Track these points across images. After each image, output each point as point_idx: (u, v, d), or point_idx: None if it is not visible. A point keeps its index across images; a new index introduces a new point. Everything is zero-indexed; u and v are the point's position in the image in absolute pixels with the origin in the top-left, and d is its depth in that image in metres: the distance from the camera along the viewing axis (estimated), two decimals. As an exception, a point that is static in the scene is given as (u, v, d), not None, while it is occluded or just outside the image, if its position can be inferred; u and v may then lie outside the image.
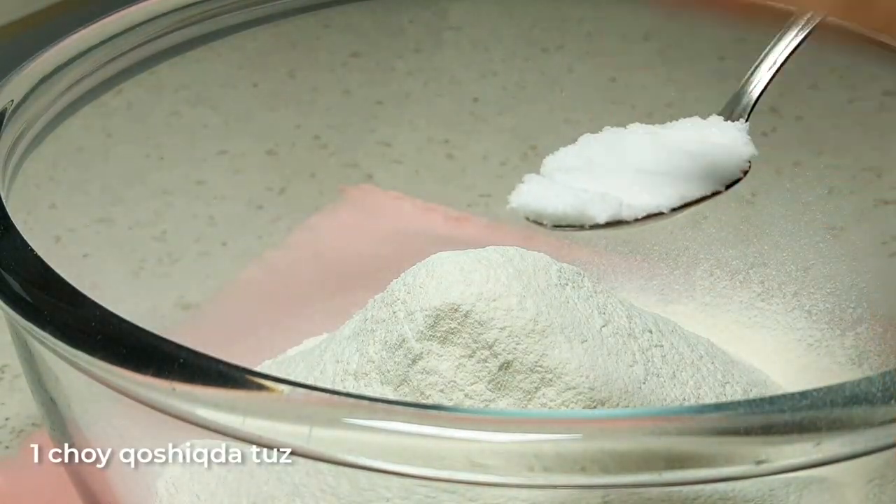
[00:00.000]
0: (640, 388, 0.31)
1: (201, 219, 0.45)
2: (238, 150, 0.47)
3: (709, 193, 0.27)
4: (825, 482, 0.28)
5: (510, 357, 0.30)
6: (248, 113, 0.47)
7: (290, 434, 0.21)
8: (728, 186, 0.28)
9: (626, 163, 0.29)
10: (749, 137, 0.29)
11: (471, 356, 0.30)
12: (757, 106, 0.35)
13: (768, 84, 0.31)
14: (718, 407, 0.21)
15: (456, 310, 0.31)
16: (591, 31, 0.48)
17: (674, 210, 0.27)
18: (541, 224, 0.26)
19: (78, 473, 0.31)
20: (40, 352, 0.27)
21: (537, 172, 0.29)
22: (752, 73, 0.31)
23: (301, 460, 0.27)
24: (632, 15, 0.46)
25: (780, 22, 0.39)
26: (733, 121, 0.30)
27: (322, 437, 0.21)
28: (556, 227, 0.26)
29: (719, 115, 0.31)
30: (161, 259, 0.43)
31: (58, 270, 0.26)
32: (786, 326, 0.41)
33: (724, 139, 0.29)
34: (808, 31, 0.32)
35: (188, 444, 0.29)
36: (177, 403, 0.23)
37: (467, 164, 0.49)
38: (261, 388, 0.22)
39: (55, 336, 0.24)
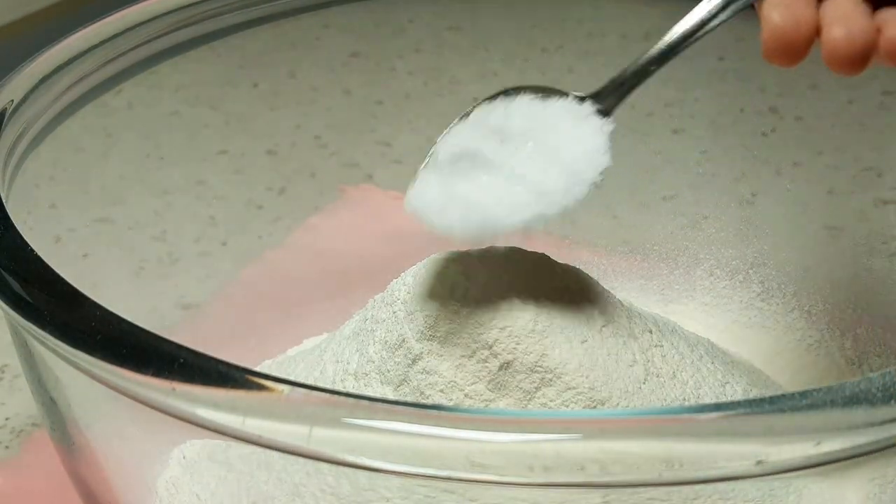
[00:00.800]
0: (640, 388, 0.31)
1: (201, 219, 0.45)
2: (238, 150, 0.47)
3: (557, 210, 0.29)
4: (825, 482, 0.28)
5: (510, 357, 0.30)
6: (248, 113, 0.47)
7: (290, 434, 0.21)
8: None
9: (505, 164, 0.31)
10: (609, 144, 0.31)
11: (471, 356, 0.30)
12: (753, 107, 0.35)
13: (646, 78, 0.33)
14: (718, 407, 0.21)
15: (456, 311, 0.31)
16: (591, 31, 0.48)
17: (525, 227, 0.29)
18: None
19: (78, 473, 0.31)
20: (40, 352, 0.27)
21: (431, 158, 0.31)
22: (639, 61, 0.32)
23: (301, 460, 0.27)
24: (632, 15, 0.46)
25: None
26: (605, 109, 0.31)
27: (322, 437, 0.21)
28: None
29: (594, 96, 0.32)
30: (161, 259, 0.43)
31: (58, 270, 0.26)
32: (786, 326, 0.41)
33: (586, 145, 0.31)
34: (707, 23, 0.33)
35: (188, 443, 0.29)
36: (177, 403, 0.23)
37: (467, 164, 0.49)
38: (261, 388, 0.22)
39: (55, 336, 0.24)
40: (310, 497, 0.28)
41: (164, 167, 0.45)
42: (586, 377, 0.30)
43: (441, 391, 0.30)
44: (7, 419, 0.40)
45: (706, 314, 0.42)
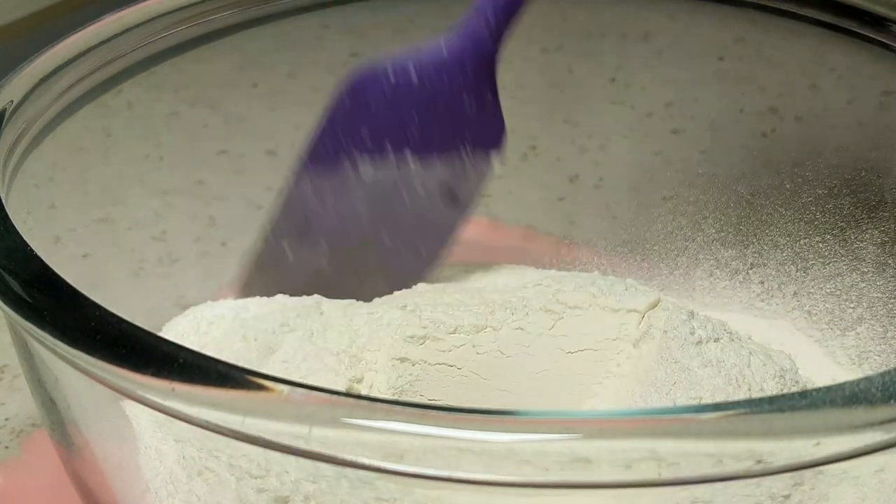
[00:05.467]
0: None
1: (201, 219, 0.45)
2: (238, 150, 0.47)
3: None
4: (824, 482, 0.28)
5: None
6: (248, 113, 0.47)
7: (289, 434, 0.21)
8: None
9: None
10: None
11: None
12: (753, 107, 0.35)
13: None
14: (718, 407, 0.21)
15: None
16: (591, 31, 0.48)
17: None
18: None
19: (78, 473, 0.31)
20: (40, 352, 0.27)
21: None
22: None
23: (301, 460, 0.27)
24: (632, 15, 0.46)
25: (780, 22, 0.39)
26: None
27: (322, 437, 0.21)
28: None
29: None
30: (161, 259, 0.43)
31: (58, 270, 0.26)
32: (786, 326, 0.41)
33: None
34: None
35: (187, 442, 0.29)
36: (177, 404, 0.23)
37: (467, 164, 0.49)
38: (260, 388, 0.22)
39: (55, 336, 0.24)
40: (309, 496, 0.28)
41: (164, 167, 0.45)
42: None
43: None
44: (7, 419, 0.40)
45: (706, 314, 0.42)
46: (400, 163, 0.35)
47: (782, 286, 0.41)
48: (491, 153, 0.38)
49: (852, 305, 0.39)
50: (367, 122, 0.35)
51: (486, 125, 0.38)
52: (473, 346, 0.33)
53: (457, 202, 0.37)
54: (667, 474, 0.21)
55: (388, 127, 0.36)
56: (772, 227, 0.42)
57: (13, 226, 0.28)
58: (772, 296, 0.42)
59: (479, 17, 0.37)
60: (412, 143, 0.36)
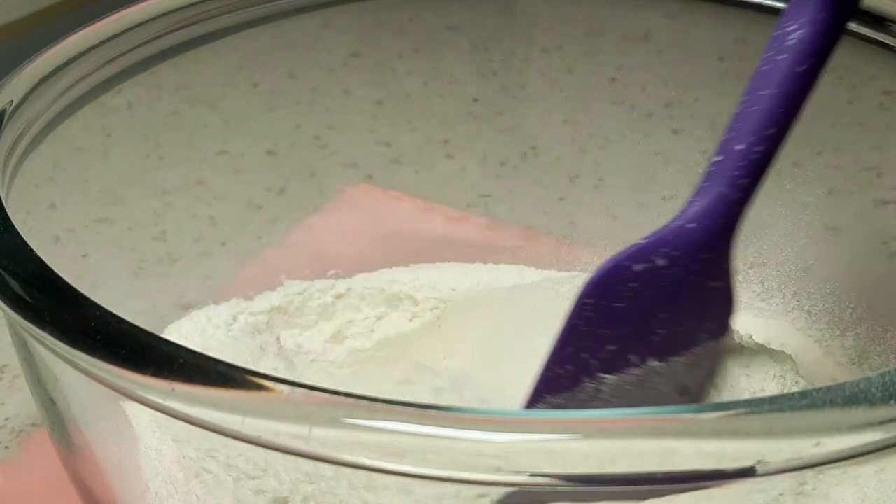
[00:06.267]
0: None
1: (201, 219, 0.45)
2: (238, 150, 0.47)
3: None
4: (824, 482, 0.28)
5: None
6: (248, 113, 0.47)
7: (289, 434, 0.21)
8: None
9: None
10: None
11: None
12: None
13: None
14: (718, 407, 0.21)
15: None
16: (591, 31, 0.48)
17: None
18: None
19: (78, 473, 0.31)
20: (40, 352, 0.27)
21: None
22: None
23: (300, 460, 0.27)
24: (632, 15, 0.46)
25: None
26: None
27: (322, 437, 0.21)
28: None
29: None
30: (161, 259, 0.43)
31: (58, 270, 0.26)
32: (786, 326, 0.41)
33: None
34: None
35: (185, 442, 0.29)
36: (177, 404, 0.23)
37: (467, 164, 0.49)
38: (260, 388, 0.22)
39: (55, 336, 0.24)
40: (309, 497, 0.28)
41: (163, 167, 0.45)
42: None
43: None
44: (7, 419, 0.40)
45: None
46: (641, 370, 0.30)
47: (782, 286, 0.41)
48: (718, 340, 0.33)
49: (852, 305, 0.39)
50: (612, 329, 0.29)
51: (717, 308, 0.32)
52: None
53: (687, 394, 0.31)
54: (667, 474, 0.21)
55: (634, 329, 0.30)
56: (772, 227, 0.42)
57: (13, 226, 0.28)
58: (772, 296, 0.42)
59: (720, 176, 0.31)
60: (656, 345, 0.30)
